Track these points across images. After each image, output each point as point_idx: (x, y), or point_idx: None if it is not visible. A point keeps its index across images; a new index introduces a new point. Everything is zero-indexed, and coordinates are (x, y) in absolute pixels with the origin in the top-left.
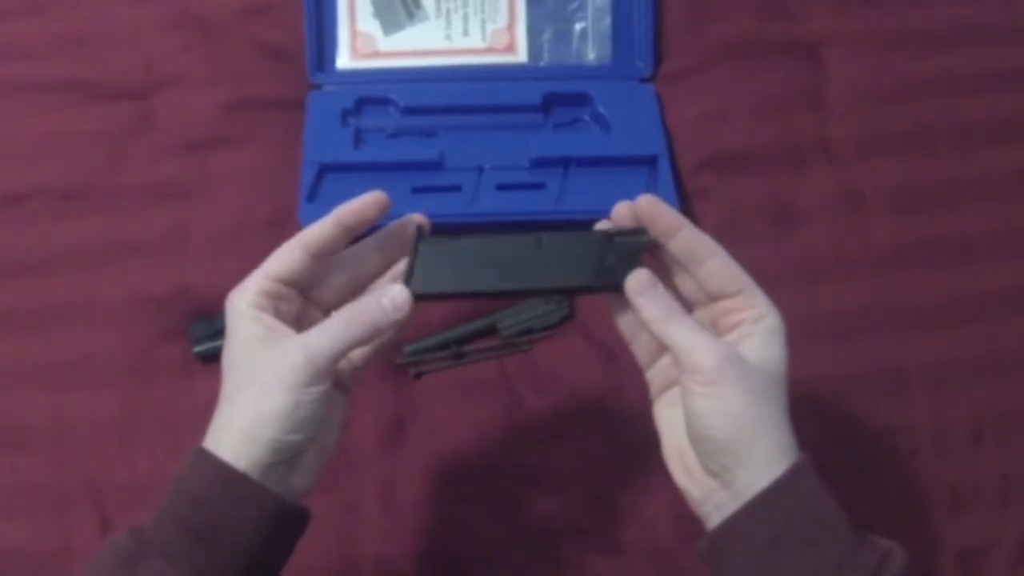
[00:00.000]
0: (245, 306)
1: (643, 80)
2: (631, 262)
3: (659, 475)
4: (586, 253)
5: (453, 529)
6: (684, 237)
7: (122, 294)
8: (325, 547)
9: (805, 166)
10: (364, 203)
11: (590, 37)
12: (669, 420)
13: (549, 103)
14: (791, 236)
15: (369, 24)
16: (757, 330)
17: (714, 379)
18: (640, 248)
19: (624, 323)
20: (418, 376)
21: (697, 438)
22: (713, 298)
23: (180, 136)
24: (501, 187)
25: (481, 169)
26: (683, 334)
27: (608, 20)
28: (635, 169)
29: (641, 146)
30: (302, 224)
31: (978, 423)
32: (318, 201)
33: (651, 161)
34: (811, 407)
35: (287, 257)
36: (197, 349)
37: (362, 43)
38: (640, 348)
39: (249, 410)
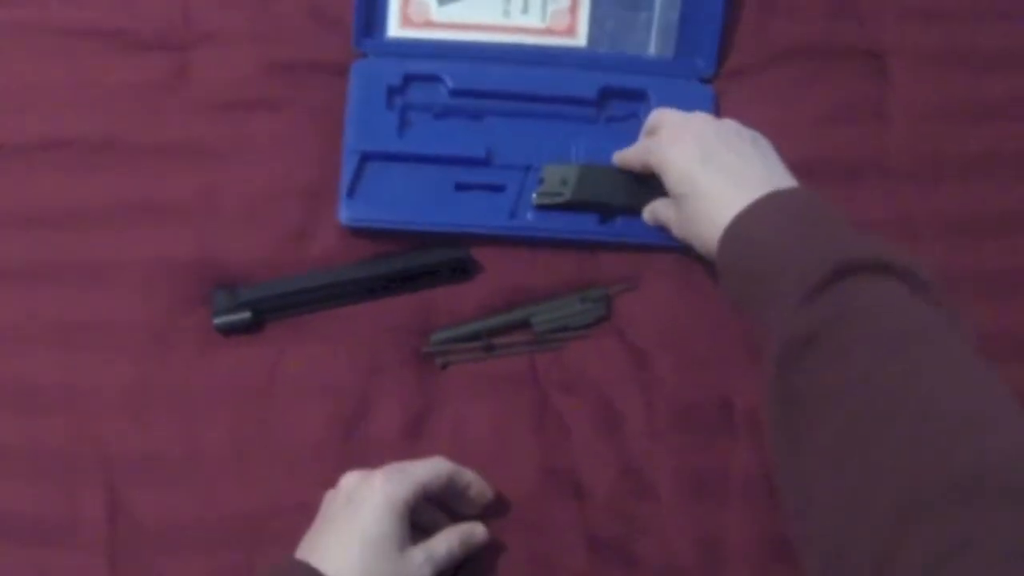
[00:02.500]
0: (403, 506)
1: (703, 80)
2: None
3: (680, 492)
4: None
5: None
6: None
7: (144, 255)
8: None
9: (859, 182)
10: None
11: (654, 28)
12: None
13: (604, 96)
14: None
15: None
16: None
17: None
18: None
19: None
20: (444, 366)
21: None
22: None
23: (216, 94)
24: None
25: (528, 168)
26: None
27: (676, 14)
28: None
29: None
30: (342, 222)
31: None
32: (358, 196)
33: None
34: None
35: (436, 473)
36: (218, 321)
37: (415, 10)
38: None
39: None
